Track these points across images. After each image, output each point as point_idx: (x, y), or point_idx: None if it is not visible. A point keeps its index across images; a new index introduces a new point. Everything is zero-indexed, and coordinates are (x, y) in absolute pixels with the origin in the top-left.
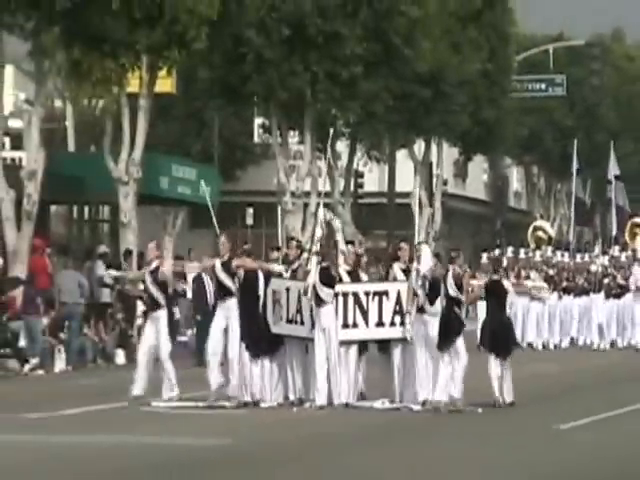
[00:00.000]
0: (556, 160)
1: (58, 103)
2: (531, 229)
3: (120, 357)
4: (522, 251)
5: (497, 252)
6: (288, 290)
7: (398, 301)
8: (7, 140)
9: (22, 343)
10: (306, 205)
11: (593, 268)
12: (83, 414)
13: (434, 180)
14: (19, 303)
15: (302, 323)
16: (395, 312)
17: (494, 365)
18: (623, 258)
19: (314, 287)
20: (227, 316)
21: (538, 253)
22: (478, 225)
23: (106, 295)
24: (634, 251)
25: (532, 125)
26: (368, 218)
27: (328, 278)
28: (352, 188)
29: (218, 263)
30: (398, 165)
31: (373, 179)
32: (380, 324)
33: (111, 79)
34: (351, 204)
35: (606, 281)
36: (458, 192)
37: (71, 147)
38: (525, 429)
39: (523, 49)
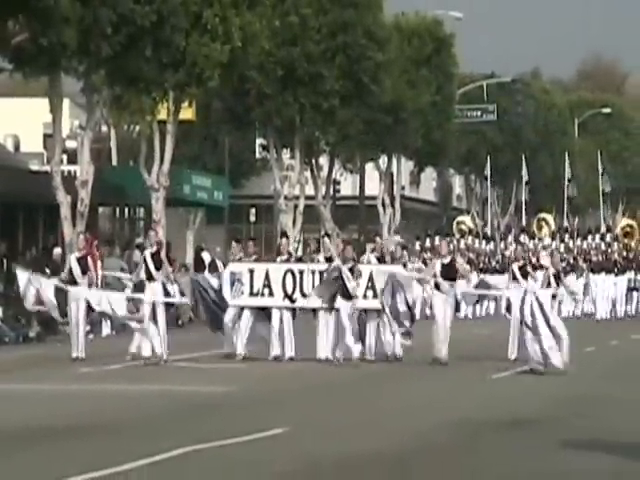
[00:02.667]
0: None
1: (104, 128)
2: (455, 223)
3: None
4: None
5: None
6: (252, 271)
7: (370, 279)
8: (65, 157)
9: None
10: (296, 206)
11: (507, 253)
12: (123, 368)
13: (394, 186)
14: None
15: (271, 295)
16: (367, 288)
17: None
18: (531, 245)
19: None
20: None
21: (462, 241)
22: (428, 221)
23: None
24: (540, 239)
25: (470, 144)
26: (344, 216)
27: None
28: (331, 193)
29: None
30: (367, 175)
31: (348, 185)
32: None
33: (145, 110)
34: (330, 205)
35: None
36: (413, 195)
37: (114, 162)
38: (465, 378)
39: (463, 84)
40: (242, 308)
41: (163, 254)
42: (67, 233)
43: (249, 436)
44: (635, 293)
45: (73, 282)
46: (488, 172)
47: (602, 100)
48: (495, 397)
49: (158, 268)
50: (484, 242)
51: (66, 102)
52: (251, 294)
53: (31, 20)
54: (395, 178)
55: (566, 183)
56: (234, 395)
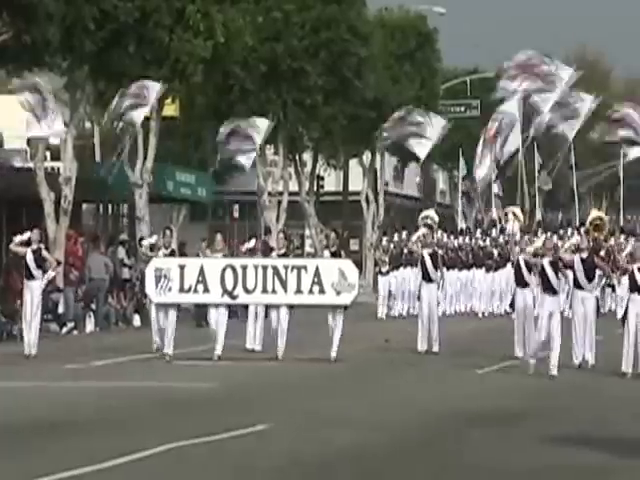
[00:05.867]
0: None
1: (87, 125)
2: (420, 217)
3: (136, 320)
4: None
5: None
6: (183, 267)
7: (316, 274)
8: (48, 154)
9: (60, 310)
10: (279, 202)
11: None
12: (108, 365)
13: (378, 182)
14: (58, 280)
15: (207, 291)
16: (313, 283)
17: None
18: (500, 239)
19: None
20: None
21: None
22: (412, 216)
23: (125, 273)
24: (510, 234)
25: (454, 139)
26: (328, 211)
27: None
28: (315, 188)
29: None
30: (351, 170)
31: (331, 181)
32: (299, 292)
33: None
34: (314, 201)
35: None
36: (397, 191)
37: (98, 158)
38: (451, 373)
39: (447, 80)
40: (217, 306)
41: (45, 253)
42: (51, 230)
43: (233, 432)
44: (607, 289)
45: (30, 276)
46: (461, 167)
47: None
48: (481, 391)
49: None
50: (452, 236)
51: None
52: (181, 290)
53: (14, 17)
54: (379, 174)
55: (536, 174)
56: (219, 392)
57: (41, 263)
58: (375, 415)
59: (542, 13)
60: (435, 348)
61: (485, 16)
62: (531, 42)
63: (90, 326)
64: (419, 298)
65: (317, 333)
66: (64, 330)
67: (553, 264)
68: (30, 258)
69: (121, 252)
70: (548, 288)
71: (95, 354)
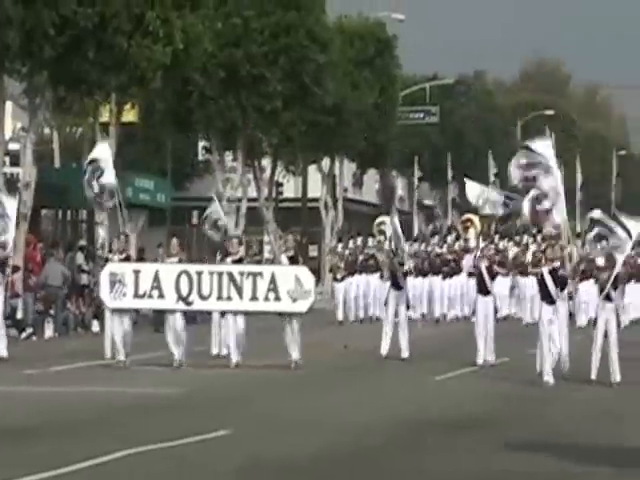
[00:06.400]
0: (432, 171)
1: (47, 130)
2: (375, 224)
3: (95, 326)
4: (370, 240)
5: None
6: (138, 272)
7: (272, 281)
8: (7, 159)
9: (19, 316)
10: (238, 208)
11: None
12: (67, 370)
13: (337, 188)
14: (17, 285)
15: (162, 297)
16: (269, 290)
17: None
18: (456, 246)
19: None
20: None
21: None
22: (371, 223)
23: (84, 278)
24: (466, 240)
25: (413, 146)
26: (287, 218)
27: None
28: (274, 195)
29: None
30: (309, 177)
31: (290, 187)
32: (254, 299)
33: (88, 112)
34: (273, 207)
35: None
36: (356, 197)
37: (57, 164)
38: (410, 379)
39: (406, 86)
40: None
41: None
42: (10, 235)
43: (195, 437)
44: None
45: None
46: (415, 173)
47: (545, 102)
48: (439, 398)
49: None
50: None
51: (9, 104)
52: (136, 296)
53: None
54: (338, 180)
55: (491, 179)
56: (179, 397)
57: (2, 268)
58: (336, 421)
59: (501, 19)
60: (404, 354)
61: (444, 23)
62: (490, 48)
63: (49, 331)
64: (386, 304)
65: (273, 339)
66: (23, 335)
67: (552, 273)
68: None
69: (80, 258)
70: (546, 297)
71: (54, 359)
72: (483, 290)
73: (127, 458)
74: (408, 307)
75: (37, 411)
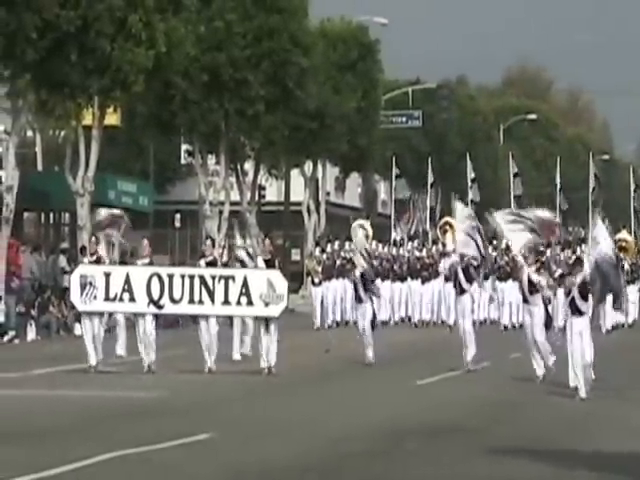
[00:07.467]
0: (413, 176)
1: (29, 133)
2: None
3: (78, 329)
4: (347, 244)
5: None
6: (109, 274)
7: (244, 284)
8: None
9: (1, 319)
10: (221, 212)
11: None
12: (50, 373)
13: (320, 192)
14: None
15: (133, 300)
16: (241, 294)
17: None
18: (433, 250)
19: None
20: None
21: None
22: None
23: (66, 281)
24: (443, 245)
25: (395, 149)
26: (269, 222)
27: None
28: (256, 198)
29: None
30: (292, 180)
31: (273, 191)
32: (226, 303)
33: (70, 115)
34: (256, 211)
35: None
36: (338, 201)
37: (40, 167)
38: (390, 384)
39: (388, 90)
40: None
41: None
42: None
43: (175, 441)
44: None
45: None
46: (393, 176)
47: (527, 106)
48: (419, 403)
49: None
50: (387, 247)
51: None
52: (107, 299)
53: None
54: (320, 184)
55: (469, 184)
56: (162, 401)
57: None
58: (316, 426)
59: (484, 23)
60: (367, 360)
61: (427, 27)
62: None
63: (31, 335)
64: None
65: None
66: (5, 339)
67: (581, 285)
68: None
69: (62, 260)
70: (575, 309)
71: (36, 363)
72: (459, 290)
73: (108, 462)
74: (374, 316)
75: (17, 415)
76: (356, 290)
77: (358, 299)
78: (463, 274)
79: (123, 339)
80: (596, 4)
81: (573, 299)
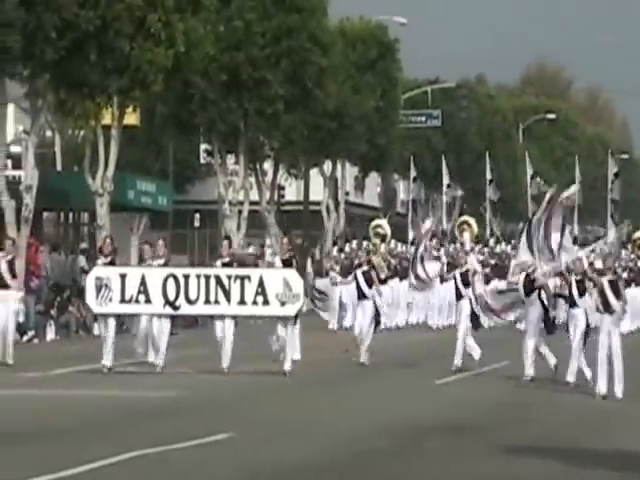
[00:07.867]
0: (432, 176)
1: (49, 133)
2: (371, 226)
3: (96, 329)
4: (365, 243)
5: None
6: (124, 276)
7: (260, 284)
8: (9, 162)
9: (21, 319)
10: (240, 211)
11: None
12: (69, 373)
13: (339, 192)
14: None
15: (149, 301)
16: (257, 293)
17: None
18: (451, 249)
19: None
20: None
21: (383, 245)
22: None
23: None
24: (462, 244)
25: (414, 149)
26: (288, 221)
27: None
28: (276, 198)
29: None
30: (311, 180)
31: (292, 191)
32: (242, 302)
33: (89, 114)
34: (275, 210)
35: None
36: (357, 201)
37: (59, 167)
38: (409, 384)
39: (408, 90)
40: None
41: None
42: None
43: (193, 441)
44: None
45: (4, 286)
46: (412, 175)
47: (547, 105)
48: (438, 403)
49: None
50: (405, 247)
51: (10, 107)
52: (122, 301)
53: None
54: (339, 183)
55: (487, 185)
56: (179, 401)
57: (16, 273)
58: (334, 425)
59: (504, 22)
60: (362, 359)
61: (446, 26)
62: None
63: (51, 334)
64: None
65: (262, 343)
66: (25, 338)
67: (612, 284)
68: (5, 268)
69: (82, 260)
70: (606, 308)
71: (55, 362)
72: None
73: (126, 462)
74: (378, 314)
75: (37, 414)
76: (359, 287)
77: (361, 296)
78: (461, 279)
79: (142, 337)
80: (614, 3)
81: (605, 297)
